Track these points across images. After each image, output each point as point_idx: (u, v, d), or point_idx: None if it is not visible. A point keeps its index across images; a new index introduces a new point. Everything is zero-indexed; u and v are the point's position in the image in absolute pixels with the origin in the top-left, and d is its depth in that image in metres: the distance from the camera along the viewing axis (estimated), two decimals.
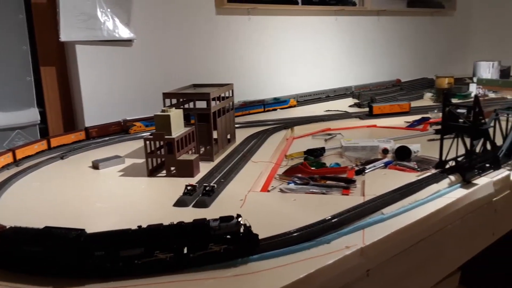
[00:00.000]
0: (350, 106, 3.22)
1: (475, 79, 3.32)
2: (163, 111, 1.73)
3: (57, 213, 1.43)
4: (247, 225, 1.05)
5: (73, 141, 2.25)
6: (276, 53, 3.46)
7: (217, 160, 1.89)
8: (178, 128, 1.76)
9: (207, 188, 1.46)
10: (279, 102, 3.17)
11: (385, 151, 1.99)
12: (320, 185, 1.64)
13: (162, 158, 1.74)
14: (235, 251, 1.03)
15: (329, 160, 1.96)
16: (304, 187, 1.61)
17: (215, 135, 1.96)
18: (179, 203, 1.41)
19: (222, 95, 2.07)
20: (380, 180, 1.62)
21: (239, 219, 1.04)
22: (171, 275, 1.00)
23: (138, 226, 1.02)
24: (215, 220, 1.03)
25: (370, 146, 2.00)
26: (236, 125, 2.56)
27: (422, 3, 4.34)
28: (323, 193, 1.56)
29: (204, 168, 1.77)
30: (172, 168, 1.70)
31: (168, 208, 1.41)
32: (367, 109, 2.89)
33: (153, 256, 0.98)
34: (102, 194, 1.61)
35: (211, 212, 1.36)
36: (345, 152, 2.00)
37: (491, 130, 1.74)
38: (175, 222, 1.04)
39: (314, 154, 2.02)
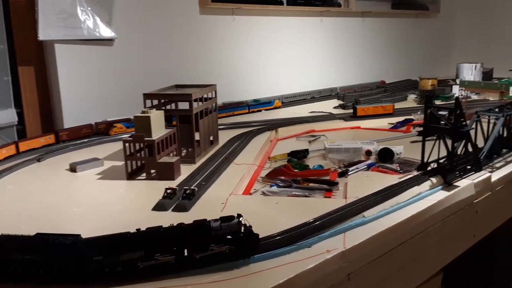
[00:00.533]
0: (335, 107, 3.21)
1: (458, 81, 3.35)
2: (143, 112, 1.70)
3: (32, 217, 1.38)
4: (248, 225, 1.04)
5: (42, 144, 2.14)
6: (261, 54, 3.44)
7: (199, 163, 1.85)
8: (159, 129, 1.72)
9: (188, 192, 1.43)
10: (259, 104, 3.14)
11: (368, 153, 1.99)
12: (303, 187, 1.62)
13: (142, 161, 1.70)
14: (237, 252, 1.03)
15: (312, 162, 1.95)
16: (286, 189, 1.59)
17: (197, 136, 1.93)
18: (158, 207, 1.38)
19: (205, 96, 2.04)
20: (362, 182, 1.61)
21: (240, 219, 1.03)
22: (172, 279, 0.99)
23: (136, 229, 1.00)
24: (216, 220, 1.02)
25: (353, 148, 1.99)
26: (220, 127, 2.53)
27: (407, 5, 4.38)
28: (306, 196, 1.54)
29: (186, 170, 1.74)
30: (152, 171, 1.67)
31: (147, 212, 1.37)
32: (351, 111, 2.89)
33: (153, 259, 0.97)
34: (79, 198, 1.56)
35: (191, 216, 1.32)
36: (329, 154, 1.99)
37: (472, 132, 1.75)
38: (174, 224, 1.02)
39: (298, 156, 2.00)
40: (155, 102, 1.88)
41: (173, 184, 1.58)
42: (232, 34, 3.22)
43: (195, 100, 1.87)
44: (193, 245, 1.00)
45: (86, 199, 1.55)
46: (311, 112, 3.04)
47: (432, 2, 4.69)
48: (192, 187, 1.46)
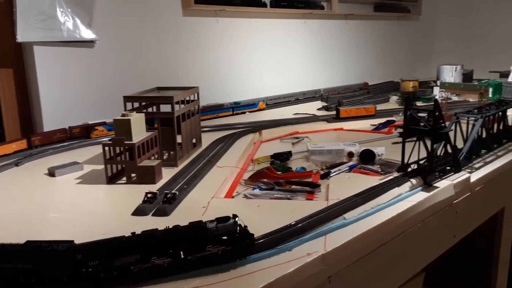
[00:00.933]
0: (319, 109, 3.23)
1: (438, 83, 3.40)
2: (123, 115, 1.67)
3: (8, 223, 1.35)
4: (243, 225, 1.04)
5: (14, 150, 2.07)
6: (245, 56, 3.44)
7: (181, 166, 1.84)
8: (139, 133, 1.70)
9: (168, 196, 1.41)
10: (243, 106, 3.14)
11: (350, 155, 2.00)
12: (285, 190, 1.62)
13: (122, 165, 1.68)
14: (233, 252, 1.03)
15: (295, 164, 1.95)
16: (268, 192, 1.59)
17: (179, 139, 1.91)
18: (138, 211, 1.36)
19: (187, 98, 2.03)
20: (344, 184, 1.62)
21: (236, 219, 1.03)
22: (169, 282, 0.98)
23: (132, 233, 0.99)
24: (211, 221, 1.02)
25: (335, 149, 2.00)
26: (203, 129, 2.52)
27: (388, 7, 4.43)
28: (288, 198, 1.54)
29: (167, 174, 1.72)
30: (133, 175, 1.64)
31: (126, 218, 1.35)
32: (335, 112, 2.91)
33: (150, 262, 0.96)
34: (57, 203, 1.53)
35: (172, 221, 1.30)
36: (311, 156, 2.00)
37: (452, 133, 1.78)
38: (167, 228, 1.01)
39: (281, 158, 2.00)
40: (136, 104, 1.86)
41: (154, 188, 1.56)
42: (216, 36, 3.21)
43: (177, 103, 1.86)
44: (189, 247, 1.00)
45: (65, 204, 1.52)
46: (295, 114, 3.05)
47: (414, 5, 4.75)
48: (173, 191, 1.44)
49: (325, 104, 3.36)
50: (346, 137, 2.42)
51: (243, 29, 3.39)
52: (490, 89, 3.26)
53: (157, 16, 2.86)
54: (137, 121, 1.68)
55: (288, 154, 2.05)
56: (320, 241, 1.18)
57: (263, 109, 3.26)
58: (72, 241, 0.95)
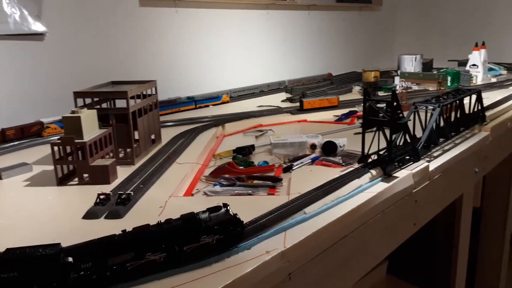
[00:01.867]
0: (283, 101, 3.21)
1: (399, 72, 3.46)
2: (73, 112, 1.58)
3: None
4: (233, 213, 1.06)
5: None
6: (207, 47, 3.36)
7: (138, 164, 1.76)
8: (91, 130, 1.61)
9: (123, 196, 1.34)
10: (207, 99, 3.07)
11: (313, 147, 1.99)
12: (247, 185, 1.59)
13: (74, 165, 1.59)
14: (227, 240, 1.04)
15: (258, 158, 1.92)
16: (229, 188, 1.55)
17: (137, 136, 1.83)
18: (89, 215, 1.28)
19: (144, 92, 1.95)
20: (305, 177, 1.60)
21: (227, 208, 1.05)
22: (164, 279, 0.97)
23: (122, 231, 0.97)
24: (203, 212, 1.03)
25: (298, 142, 1.98)
26: (164, 124, 2.44)
27: None
28: (249, 194, 1.51)
29: (124, 173, 1.64)
30: (85, 175, 1.56)
31: (77, 221, 1.27)
32: (299, 104, 2.90)
33: (144, 259, 0.95)
34: (3, 208, 1.43)
35: (126, 223, 1.25)
36: (274, 149, 1.97)
37: (411, 123, 1.80)
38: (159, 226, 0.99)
39: (243, 153, 1.96)
40: (89, 100, 1.76)
41: (109, 188, 1.49)
42: (175, 27, 3.12)
43: (132, 98, 1.77)
44: (184, 240, 0.99)
45: (11, 208, 1.42)
46: (259, 106, 3.02)
47: None
48: (127, 191, 1.38)
49: (289, 95, 3.34)
50: (309, 128, 2.41)
51: (205, 20, 3.31)
52: (449, 78, 3.35)
53: (113, 7, 2.73)
54: (89, 118, 1.59)
55: (251, 148, 2.01)
56: (280, 237, 1.16)
57: (227, 102, 3.20)
58: (59, 244, 0.91)
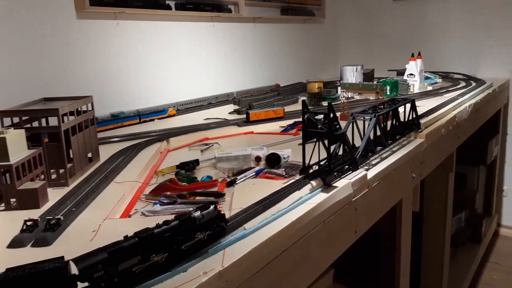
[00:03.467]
0: (230, 113, 3.21)
1: (340, 83, 3.57)
2: None
3: None
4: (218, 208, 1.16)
5: None
6: (152, 60, 3.29)
7: (73, 185, 1.67)
8: (19, 151, 1.51)
9: (52, 222, 1.26)
10: (152, 113, 3.00)
11: (258, 159, 1.99)
12: (188, 202, 1.55)
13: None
14: (215, 235, 1.14)
15: (202, 173, 1.89)
16: (169, 207, 1.50)
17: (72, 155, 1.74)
18: (14, 243, 1.19)
19: (79, 109, 1.86)
20: (248, 191, 1.59)
21: (215, 204, 1.16)
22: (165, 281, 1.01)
23: (124, 237, 0.97)
24: (195, 210, 1.10)
25: (242, 155, 1.98)
26: (104, 141, 2.35)
27: (294, 11, 4.57)
28: (190, 212, 1.47)
29: (56, 195, 1.55)
30: (13, 200, 1.46)
31: (1, 251, 1.18)
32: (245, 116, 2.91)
33: (150, 261, 0.98)
34: None
35: (55, 250, 1.18)
36: (218, 163, 1.95)
37: (350, 133, 1.85)
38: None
39: (186, 168, 1.92)
40: (17, 119, 1.66)
41: (39, 213, 1.39)
42: (117, 40, 3.03)
43: (65, 115, 1.69)
44: (182, 239, 1.05)
45: None
46: (206, 119, 2.99)
47: (318, 8, 4.97)
48: (57, 216, 1.30)
49: (237, 107, 3.34)
50: (256, 140, 2.42)
51: (148, 33, 3.25)
52: (388, 87, 3.50)
53: (47, 19, 2.61)
54: (15, 138, 1.49)
55: (195, 163, 1.98)
56: (218, 256, 1.14)
57: (174, 115, 3.15)
58: (62, 257, 0.90)
